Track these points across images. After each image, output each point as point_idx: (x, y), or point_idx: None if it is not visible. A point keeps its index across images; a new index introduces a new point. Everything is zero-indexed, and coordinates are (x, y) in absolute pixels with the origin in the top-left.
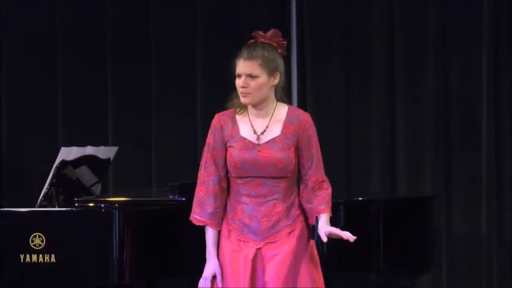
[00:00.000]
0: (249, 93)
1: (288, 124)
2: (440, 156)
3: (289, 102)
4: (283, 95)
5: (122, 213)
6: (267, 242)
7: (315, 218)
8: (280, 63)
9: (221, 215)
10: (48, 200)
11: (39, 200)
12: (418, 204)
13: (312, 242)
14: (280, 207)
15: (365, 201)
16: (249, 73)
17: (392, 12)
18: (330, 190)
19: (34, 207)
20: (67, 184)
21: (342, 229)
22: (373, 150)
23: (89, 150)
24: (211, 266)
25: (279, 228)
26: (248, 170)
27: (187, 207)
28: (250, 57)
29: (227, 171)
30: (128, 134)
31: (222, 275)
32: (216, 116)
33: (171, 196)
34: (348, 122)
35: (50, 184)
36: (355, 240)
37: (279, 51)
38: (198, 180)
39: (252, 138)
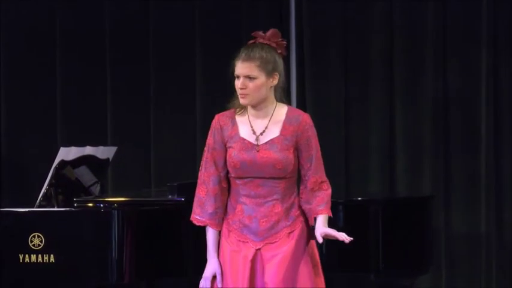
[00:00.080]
0: (247, 95)
1: (287, 125)
2: (439, 156)
3: (288, 103)
4: (283, 95)
5: (121, 213)
6: (267, 243)
7: (313, 219)
8: (280, 63)
9: (221, 215)
10: (48, 200)
11: (38, 200)
12: (417, 204)
13: (313, 243)
14: (279, 208)
15: (364, 201)
16: (247, 74)
17: (392, 13)
18: (329, 191)
19: (33, 207)
20: (66, 184)
21: (342, 229)
22: (372, 151)
23: (88, 150)
24: (211, 266)
25: (279, 228)
26: (247, 171)
27: (186, 207)
28: (248, 59)
29: (227, 172)
30: (127, 134)
31: (222, 275)
32: (216, 117)
33: (170, 196)
34: (347, 123)
35: (49, 184)
36: (355, 240)
37: (279, 51)
38: (199, 181)
39: (251, 138)
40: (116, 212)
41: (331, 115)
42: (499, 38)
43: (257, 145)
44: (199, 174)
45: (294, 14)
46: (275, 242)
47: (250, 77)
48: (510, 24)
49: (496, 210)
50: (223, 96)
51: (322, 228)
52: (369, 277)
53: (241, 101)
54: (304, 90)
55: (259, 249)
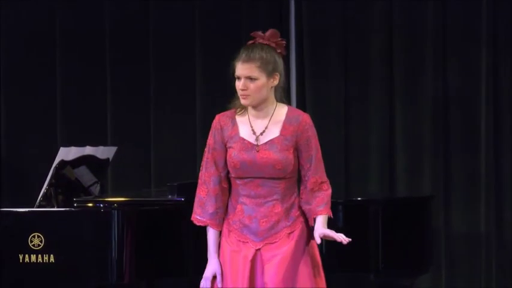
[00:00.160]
0: (248, 95)
1: (287, 125)
2: (439, 156)
3: (288, 102)
4: (283, 95)
5: (121, 213)
6: (267, 243)
7: (313, 220)
8: (280, 63)
9: (222, 215)
10: (47, 200)
11: (38, 200)
12: (417, 204)
13: (313, 243)
14: (279, 208)
15: (364, 201)
16: (248, 75)
17: (392, 12)
18: (329, 191)
19: (33, 207)
20: (66, 184)
21: (341, 229)
22: (372, 150)
23: (88, 150)
24: (211, 266)
25: (279, 229)
26: (247, 171)
27: (186, 207)
28: (248, 60)
29: (228, 172)
30: (127, 134)
31: (222, 275)
32: (217, 117)
33: (170, 196)
34: (347, 122)
35: (49, 184)
36: (354, 240)
37: (278, 51)
38: (199, 181)
39: (251, 139)
40: (115, 212)
41: (331, 114)
42: (499, 37)
43: (257, 145)
44: (200, 174)
45: (293, 13)
46: (275, 242)
47: (251, 78)
48: (510, 24)
49: (495, 209)
50: (223, 96)
51: (320, 229)
52: (369, 277)
53: (243, 102)
54: (304, 90)
55: (259, 249)
